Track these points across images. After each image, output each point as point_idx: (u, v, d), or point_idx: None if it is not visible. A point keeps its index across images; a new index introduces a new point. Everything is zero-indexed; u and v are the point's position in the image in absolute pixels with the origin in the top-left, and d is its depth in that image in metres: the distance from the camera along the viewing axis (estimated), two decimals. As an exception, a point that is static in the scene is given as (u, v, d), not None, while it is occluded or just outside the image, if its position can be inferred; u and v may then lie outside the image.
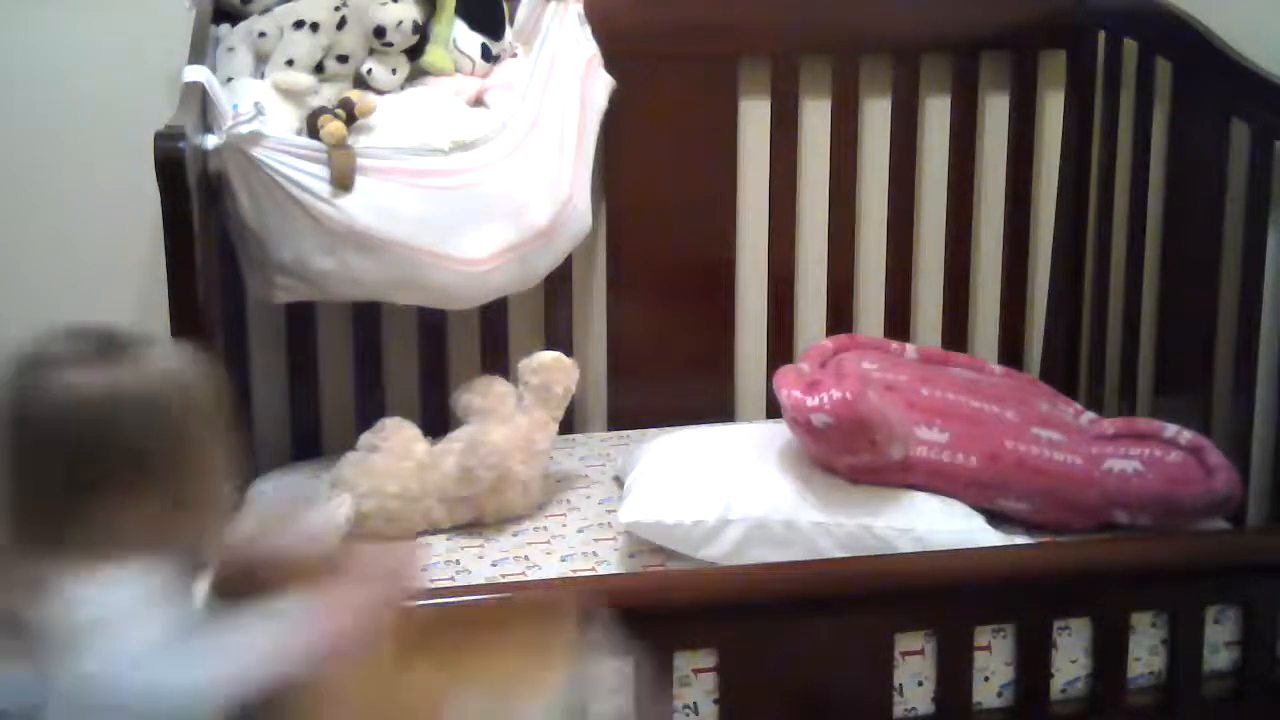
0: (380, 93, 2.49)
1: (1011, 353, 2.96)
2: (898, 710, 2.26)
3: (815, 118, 2.87)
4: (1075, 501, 2.39)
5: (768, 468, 2.40)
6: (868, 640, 2.23)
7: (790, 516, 2.31)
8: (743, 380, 2.92)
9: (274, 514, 1.83)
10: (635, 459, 2.48)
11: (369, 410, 2.72)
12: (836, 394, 2.27)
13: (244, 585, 1.53)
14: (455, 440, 2.45)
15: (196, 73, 2.26)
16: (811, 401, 2.28)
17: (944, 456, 2.39)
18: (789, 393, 2.32)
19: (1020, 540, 2.38)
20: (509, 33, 2.63)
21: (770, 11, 2.81)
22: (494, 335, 2.78)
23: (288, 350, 2.73)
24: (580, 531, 2.45)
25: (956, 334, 2.96)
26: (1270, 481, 2.52)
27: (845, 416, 2.26)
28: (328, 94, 2.45)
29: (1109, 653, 2.29)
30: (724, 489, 2.32)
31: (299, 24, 2.44)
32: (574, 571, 2.33)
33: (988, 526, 2.38)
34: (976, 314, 3.00)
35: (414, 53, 2.55)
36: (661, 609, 2.12)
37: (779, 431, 2.42)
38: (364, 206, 2.33)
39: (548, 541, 2.40)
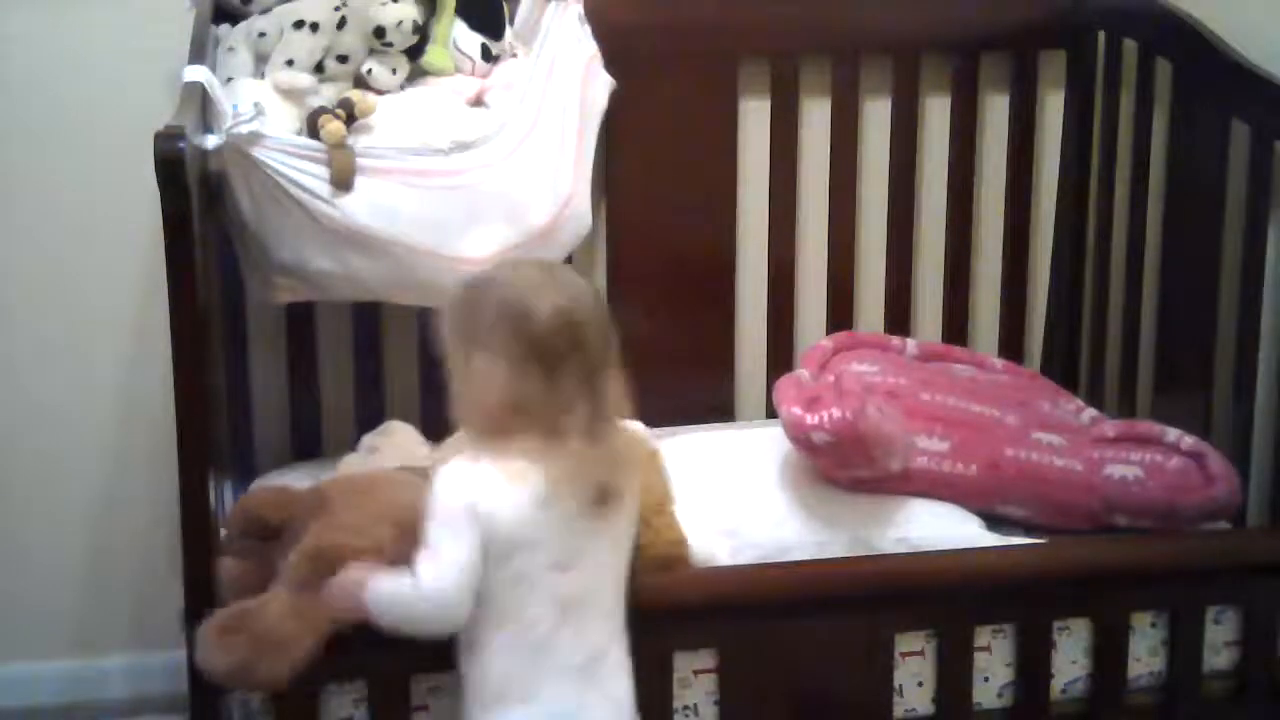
0: (380, 93, 2.49)
1: (1011, 354, 2.96)
2: (898, 710, 2.27)
3: (815, 118, 2.87)
4: (1074, 507, 2.39)
5: (767, 488, 2.43)
6: (868, 640, 2.23)
7: (789, 546, 2.32)
8: (743, 380, 2.92)
9: None
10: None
11: (369, 410, 2.73)
12: (837, 413, 2.28)
13: None
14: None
15: (196, 73, 2.26)
16: (811, 420, 2.29)
17: (944, 466, 2.41)
18: (788, 410, 2.33)
19: (1020, 541, 2.38)
20: (509, 33, 2.63)
21: (770, 11, 2.81)
22: (494, 335, 2.77)
23: (288, 350, 2.73)
24: (580, 532, 2.45)
25: (956, 335, 2.95)
26: (1270, 482, 2.52)
27: (845, 436, 2.27)
28: (328, 94, 2.44)
29: (1109, 653, 2.30)
30: (725, 523, 2.33)
31: (299, 24, 2.44)
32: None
33: (985, 532, 2.38)
34: (976, 315, 3.00)
35: (414, 53, 2.55)
36: (661, 609, 2.12)
37: (776, 437, 2.42)
38: (364, 206, 2.33)
39: (548, 541, 2.40)
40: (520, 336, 1.94)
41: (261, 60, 2.45)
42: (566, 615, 1.96)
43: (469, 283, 2.04)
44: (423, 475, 2.08)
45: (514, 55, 2.63)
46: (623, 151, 2.77)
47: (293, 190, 2.29)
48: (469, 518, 1.93)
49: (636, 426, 2.20)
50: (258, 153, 2.26)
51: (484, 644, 1.96)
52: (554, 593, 1.95)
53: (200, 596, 2.06)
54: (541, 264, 2.11)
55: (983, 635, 2.27)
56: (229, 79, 2.40)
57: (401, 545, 2.00)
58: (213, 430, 2.16)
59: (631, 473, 2.04)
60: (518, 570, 1.94)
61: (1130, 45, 2.81)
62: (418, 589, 1.94)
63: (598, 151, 2.66)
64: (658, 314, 2.82)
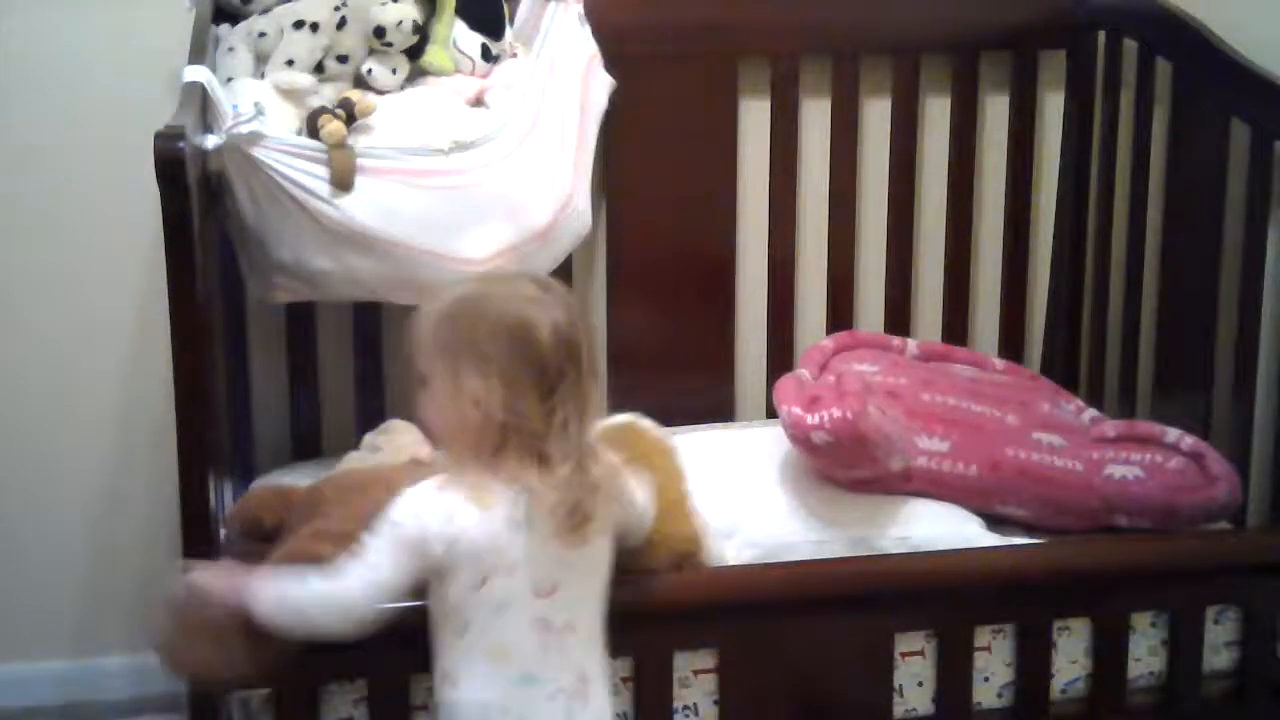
0: (380, 93, 2.49)
1: (1012, 354, 2.96)
2: (898, 711, 2.27)
3: (815, 118, 2.87)
4: (1075, 507, 2.39)
5: (767, 486, 2.43)
6: (868, 640, 2.23)
7: (789, 546, 2.32)
8: (743, 380, 2.92)
9: None
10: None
11: (369, 410, 2.72)
12: (837, 413, 2.27)
13: None
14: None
15: (196, 73, 2.26)
16: (812, 420, 2.29)
17: (944, 466, 2.41)
18: (789, 409, 2.33)
19: (1020, 541, 2.38)
20: (509, 33, 2.63)
21: (770, 11, 2.81)
22: (494, 335, 2.77)
23: (288, 350, 2.73)
24: (580, 531, 2.45)
25: (956, 335, 2.95)
26: (1270, 482, 2.53)
27: (846, 435, 2.27)
28: (328, 94, 2.44)
29: (1109, 653, 2.30)
30: (724, 522, 2.33)
31: (299, 24, 2.44)
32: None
33: (985, 531, 2.38)
34: (976, 315, 3.00)
35: (414, 53, 2.55)
36: (661, 609, 2.12)
37: (777, 436, 2.42)
38: (364, 206, 2.33)
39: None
40: (521, 354, 1.89)
41: (261, 60, 2.45)
42: (550, 640, 1.93)
43: (458, 299, 1.97)
44: (427, 472, 2.08)
45: (514, 55, 2.63)
46: (623, 151, 2.77)
47: (293, 190, 2.29)
48: (411, 544, 1.89)
49: (647, 424, 2.19)
50: (258, 153, 2.26)
51: (468, 673, 1.92)
52: (537, 617, 1.92)
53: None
54: (534, 278, 2.04)
55: (983, 635, 2.28)
56: (229, 79, 2.40)
57: None
58: (213, 430, 2.16)
59: (609, 496, 1.99)
60: (498, 596, 1.91)
61: (1130, 45, 2.81)
62: (332, 588, 1.91)
63: (598, 151, 2.66)
64: (658, 314, 2.83)
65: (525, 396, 1.88)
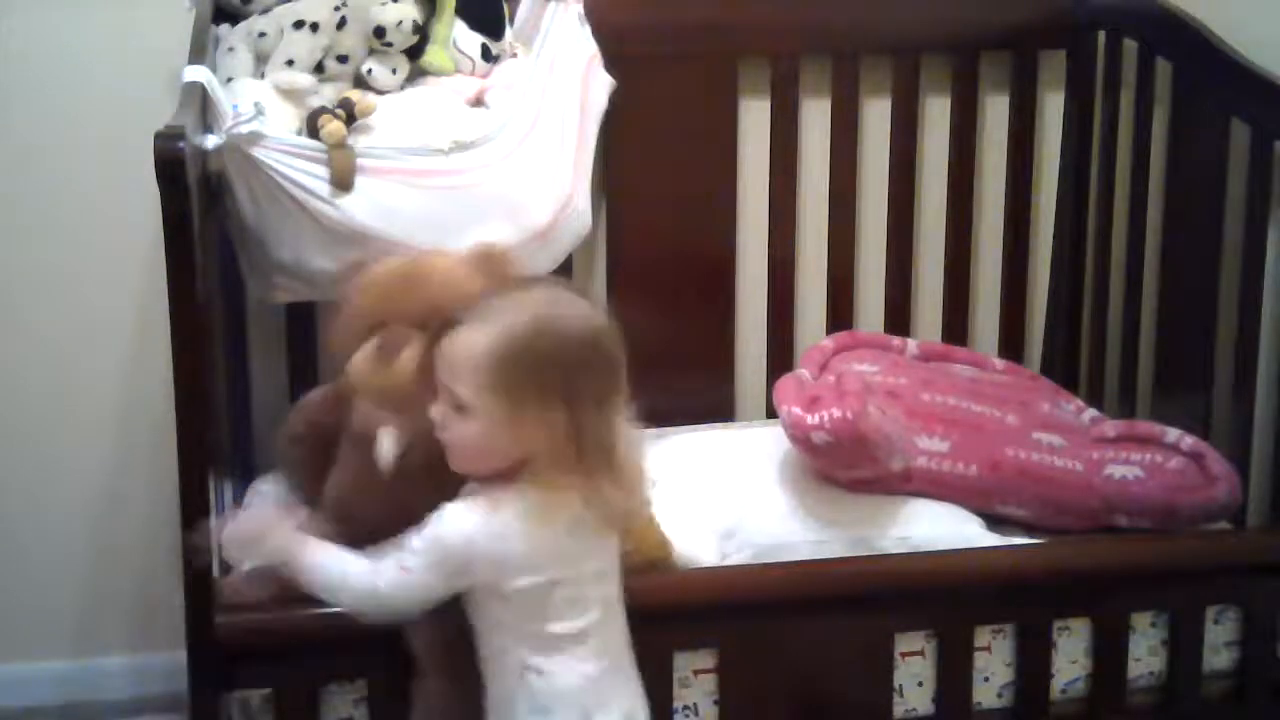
0: (380, 93, 2.49)
1: (1012, 354, 2.96)
2: (898, 711, 2.27)
3: (815, 118, 2.87)
4: (1075, 507, 2.39)
5: (767, 486, 2.43)
6: (868, 640, 2.23)
7: (789, 546, 2.32)
8: (743, 380, 2.92)
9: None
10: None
11: (369, 410, 2.72)
12: (837, 413, 2.27)
13: None
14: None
15: (196, 73, 2.26)
16: (812, 420, 2.29)
17: (944, 466, 2.41)
18: (789, 409, 2.33)
19: (1020, 541, 2.38)
20: (509, 33, 2.63)
21: (770, 11, 2.81)
22: (494, 335, 2.77)
23: (288, 350, 2.73)
24: (580, 532, 2.45)
25: (956, 335, 2.95)
26: (1270, 482, 2.53)
27: (846, 435, 2.27)
28: (328, 94, 2.44)
29: (1109, 653, 2.30)
30: (723, 521, 2.33)
31: (299, 24, 2.44)
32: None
33: (985, 531, 2.38)
34: (976, 315, 3.00)
35: (414, 53, 2.55)
36: (661, 609, 2.12)
37: (777, 436, 2.42)
38: (364, 206, 2.33)
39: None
40: (601, 369, 1.91)
41: (261, 60, 2.45)
42: (612, 617, 1.97)
43: (519, 327, 1.90)
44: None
45: (514, 55, 2.63)
46: (623, 151, 2.77)
47: (293, 190, 2.29)
48: (455, 565, 1.90)
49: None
50: (258, 153, 2.26)
51: (555, 666, 1.93)
52: (603, 597, 1.96)
53: (200, 596, 2.06)
54: (559, 284, 2.07)
55: (983, 635, 2.28)
56: (229, 79, 2.40)
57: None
58: (213, 430, 2.16)
59: (646, 486, 2.03)
60: (571, 594, 1.93)
61: (1130, 45, 2.81)
62: (375, 583, 1.91)
63: (598, 151, 2.66)
64: (658, 314, 2.82)
65: (608, 409, 1.91)
